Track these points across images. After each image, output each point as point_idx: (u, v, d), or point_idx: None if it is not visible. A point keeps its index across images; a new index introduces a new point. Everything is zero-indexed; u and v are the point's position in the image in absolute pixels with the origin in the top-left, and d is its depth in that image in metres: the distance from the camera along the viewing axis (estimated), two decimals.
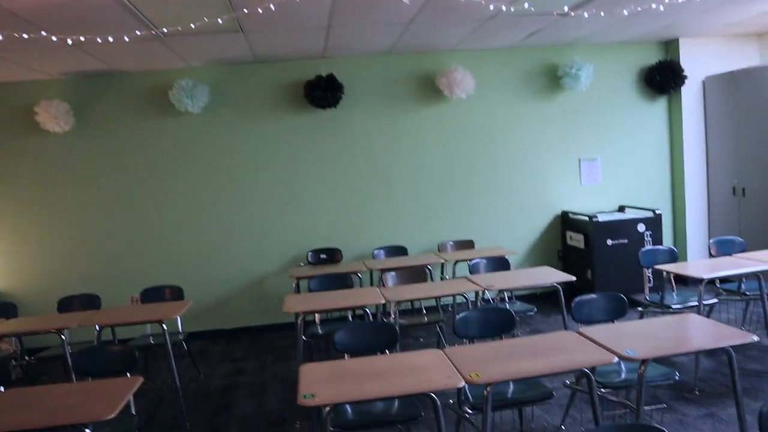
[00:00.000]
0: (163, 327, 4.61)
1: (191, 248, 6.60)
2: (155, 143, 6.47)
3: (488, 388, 2.80)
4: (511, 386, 3.39)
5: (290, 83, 6.55)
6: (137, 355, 3.74)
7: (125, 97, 6.40)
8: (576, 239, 6.76)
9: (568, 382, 3.69)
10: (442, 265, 6.38)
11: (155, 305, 5.16)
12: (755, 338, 2.95)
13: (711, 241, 5.49)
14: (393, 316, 4.53)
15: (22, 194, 6.39)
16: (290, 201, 6.70)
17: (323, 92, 6.27)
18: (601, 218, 6.51)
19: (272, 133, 6.61)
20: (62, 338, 4.61)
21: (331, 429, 3.14)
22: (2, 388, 3.48)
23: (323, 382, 2.85)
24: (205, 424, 4.50)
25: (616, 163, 7.21)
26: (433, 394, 2.73)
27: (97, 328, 4.66)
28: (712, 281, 4.75)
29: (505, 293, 5.48)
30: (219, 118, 6.51)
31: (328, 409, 2.71)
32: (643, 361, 2.91)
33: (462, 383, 2.68)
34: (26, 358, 5.40)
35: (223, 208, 6.61)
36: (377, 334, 3.71)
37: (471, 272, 5.37)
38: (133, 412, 3.63)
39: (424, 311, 5.52)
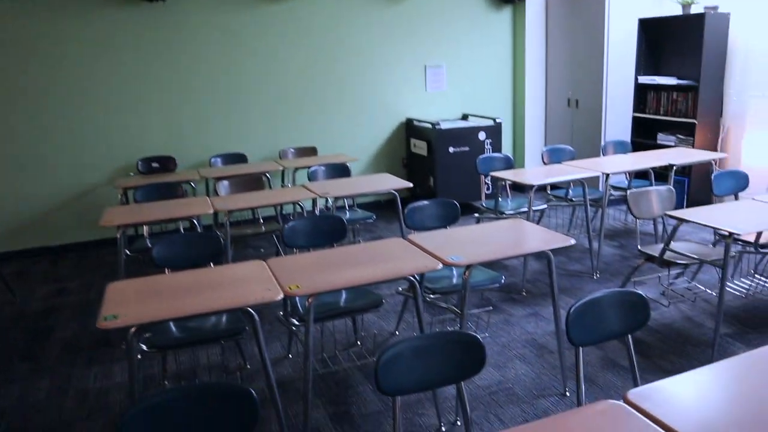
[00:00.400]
0: None
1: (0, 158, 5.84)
2: None
3: (310, 299, 2.67)
4: (343, 295, 3.31)
5: None
6: None
7: None
8: (420, 147, 6.75)
9: (400, 289, 3.68)
10: (283, 172, 6.13)
11: None
12: (572, 241, 3.03)
13: (544, 149, 5.67)
14: (226, 225, 4.27)
15: None
16: (117, 104, 6.05)
17: None
18: (443, 126, 6.52)
19: (92, 28, 5.84)
20: None
21: (146, 349, 2.91)
22: None
23: (131, 301, 2.58)
24: (17, 351, 4.08)
25: (461, 71, 7.20)
26: (250, 309, 2.55)
27: None
28: (543, 188, 4.92)
29: (345, 201, 5.37)
30: (28, 8, 5.63)
31: (133, 330, 2.45)
32: (468, 267, 2.90)
33: (280, 296, 2.52)
34: None
35: (37, 111, 5.84)
36: (201, 247, 3.45)
37: (310, 179, 5.19)
38: None
39: (262, 221, 5.29)
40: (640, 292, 2.31)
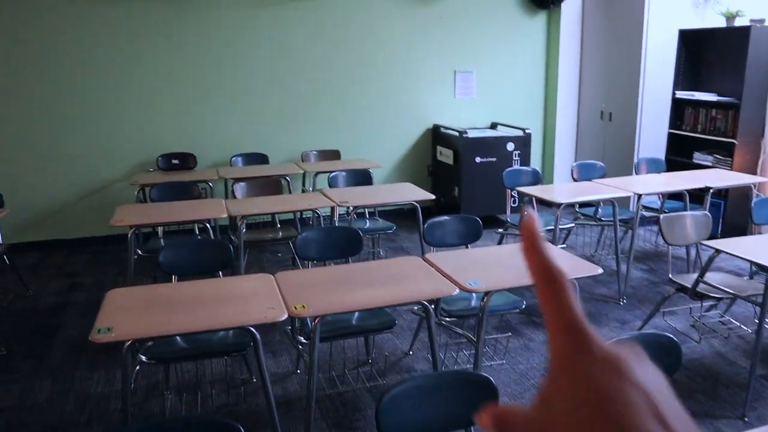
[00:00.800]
0: None
1: (20, 149, 5.76)
2: None
3: (316, 321, 2.52)
4: (355, 313, 3.16)
5: None
6: None
7: None
8: (446, 155, 6.57)
9: (415, 308, 3.51)
10: (303, 175, 5.99)
11: None
12: (599, 271, 2.84)
13: (574, 164, 5.46)
14: (239, 231, 4.15)
15: None
16: (139, 99, 5.97)
17: None
18: (471, 134, 6.33)
19: (116, 19, 5.76)
20: None
21: (145, 360, 2.79)
22: None
23: (129, 312, 2.46)
24: (25, 348, 4.01)
25: (491, 77, 7.00)
26: (252, 329, 2.41)
27: None
28: (572, 204, 4.71)
29: (365, 210, 5.23)
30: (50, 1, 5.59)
31: (128, 344, 2.33)
32: (486, 293, 2.73)
33: (284, 316, 2.38)
34: None
35: (58, 105, 5.77)
36: (210, 254, 3.33)
37: (330, 185, 5.05)
38: None
39: (279, 225, 5.15)
40: (670, 334, 2.12)
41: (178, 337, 2.95)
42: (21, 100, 5.68)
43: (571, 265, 2.97)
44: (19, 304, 4.76)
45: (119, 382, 3.55)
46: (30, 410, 3.30)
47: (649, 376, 0.38)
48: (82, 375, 3.65)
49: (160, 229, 4.92)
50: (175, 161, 5.99)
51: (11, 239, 5.35)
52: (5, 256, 4.71)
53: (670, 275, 3.73)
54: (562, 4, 6.81)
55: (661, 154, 6.40)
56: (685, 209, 4.77)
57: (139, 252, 4.37)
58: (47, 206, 5.95)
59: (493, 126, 6.99)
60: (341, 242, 3.42)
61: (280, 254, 5.74)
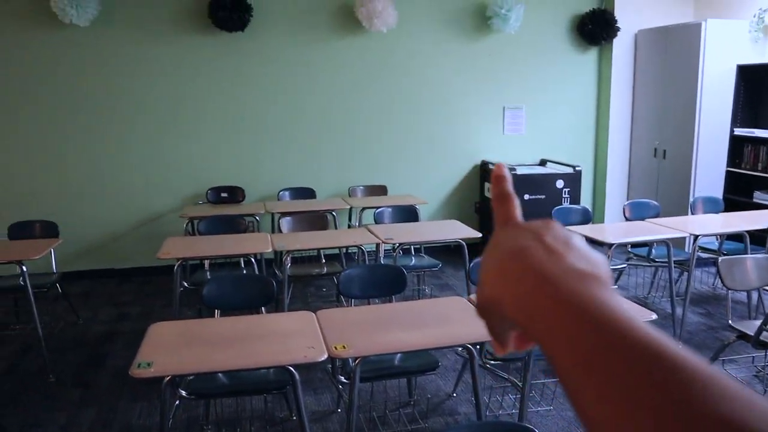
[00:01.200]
0: (22, 268, 4.06)
1: (76, 180, 5.94)
2: (33, 58, 5.68)
3: (357, 361, 2.46)
4: (398, 354, 3.09)
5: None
6: None
7: None
8: None
9: (459, 350, 3.42)
10: (350, 210, 5.98)
11: (21, 243, 4.59)
12: (654, 317, 2.70)
13: (626, 203, 5.30)
14: (284, 266, 4.14)
15: None
16: (191, 133, 6.10)
17: (229, 13, 5.64)
18: (519, 171, 6.24)
19: (171, 55, 5.93)
20: None
21: (185, 395, 2.77)
22: None
23: (170, 347, 2.45)
24: (71, 376, 4.06)
25: (540, 114, 6.91)
26: (291, 368, 2.37)
27: None
28: (624, 243, 4.56)
29: (411, 247, 5.16)
30: (110, 34, 5.78)
31: (167, 379, 2.31)
32: None
33: (324, 356, 2.33)
34: None
35: (113, 137, 5.95)
36: (253, 289, 3.31)
37: (376, 221, 5.02)
38: None
39: (324, 260, 5.14)
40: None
41: (219, 373, 2.93)
42: (79, 135, 5.88)
43: None
44: (69, 332, 4.85)
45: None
46: None
47: (553, 231, 0.48)
48: (125, 406, 3.66)
49: (206, 262, 4.96)
50: (224, 194, 6.07)
51: (64, 267, 5.47)
52: (58, 284, 4.82)
53: (730, 321, 3.55)
54: (614, 40, 6.72)
55: (718, 193, 6.17)
56: (745, 251, 4.56)
57: (185, 284, 4.41)
58: (99, 236, 6.09)
59: (542, 163, 6.89)
60: (385, 280, 3.37)
61: (324, 289, 5.71)
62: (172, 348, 2.45)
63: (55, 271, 4.85)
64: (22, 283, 4.12)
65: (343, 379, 2.90)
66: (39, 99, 5.74)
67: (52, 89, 5.76)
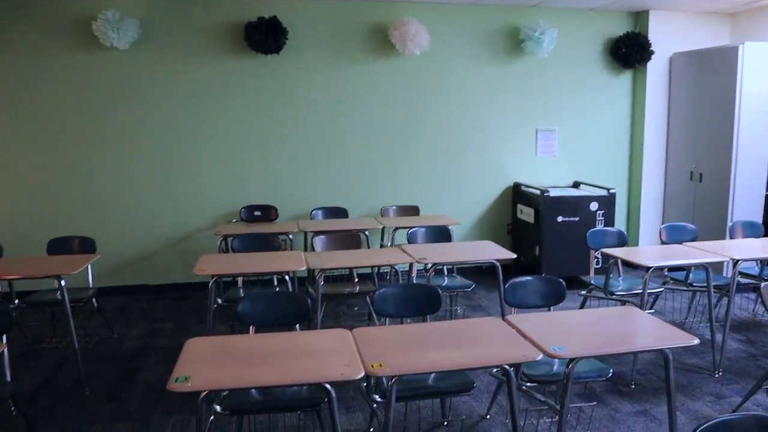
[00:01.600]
0: (60, 283, 4.13)
1: (113, 197, 6.07)
2: (75, 80, 5.84)
3: (393, 380, 2.45)
4: (432, 374, 3.06)
5: (229, 23, 5.99)
6: (13, 315, 3.29)
7: (41, 27, 5.71)
8: (526, 213, 6.44)
9: (494, 370, 3.38)
10: (383, 230, 5.99)
11: (59, 258, 4.67)
12: (696, 341, 2.65)
13: (662, 226, 5.22)
14: (317, 284, 4.15)
15: None
16: (225, 152, 6.20)
17: (265, 36, 5.74)
18: (553, 193, 6.19)
19: (208, 77, 6.06)
20: None
21: (219, 411, 2.77)
22: None
23: (206, 362, 2.47)
24: (105, 390, 4.10)
25: (574, 136, 6.88)
26: (327, 385, 2.36)
27: None
28: (660, 267, 4.48)
29: (444, 267, 5.14)
30: (149, 57, 5.92)
31: (203, 394, 2.33)
32: (571, 360, 2.59)
33: (361, 374, 2.32)
34: None
35: (150, 156, 6.08)
36: (288, 306, 3.32)
37: (409, 241, 5.02)
38: (8, 378, 3.24)
39: (356, 279, 5.14)
40: None
41: (253, 389, 2.93)
42: (118, 154, 6.01)
43: (663, 333, 2.79)
44: (103, 346, 4.92)
45: (192, 429, 3.56)
46: None
47: None
48: (158, 420, 3.68)
49: (240, 279, 5.00)
50: (257, 213, 6.13)
51: (100, 283, 5.57)
52: (94, 299, 4.89)
53: None
54: (649, 63, 6.67)
55: (758, 217, 6.06)
56: None
57: (219, 301, 4.44)
58: (135, 252, 6.19)
59: (576, 185, 6.84)
60: (419, 300, 3.35)
61: (356, 308, 5.72)
62: (209, 363, 2.46)
63: (91, 285, 4.93)
64: (59, 297, 4.21)
65: (377, 398, 2.88)
66: (80, 119, 5.90)
67: (93, 109, 5.91)
